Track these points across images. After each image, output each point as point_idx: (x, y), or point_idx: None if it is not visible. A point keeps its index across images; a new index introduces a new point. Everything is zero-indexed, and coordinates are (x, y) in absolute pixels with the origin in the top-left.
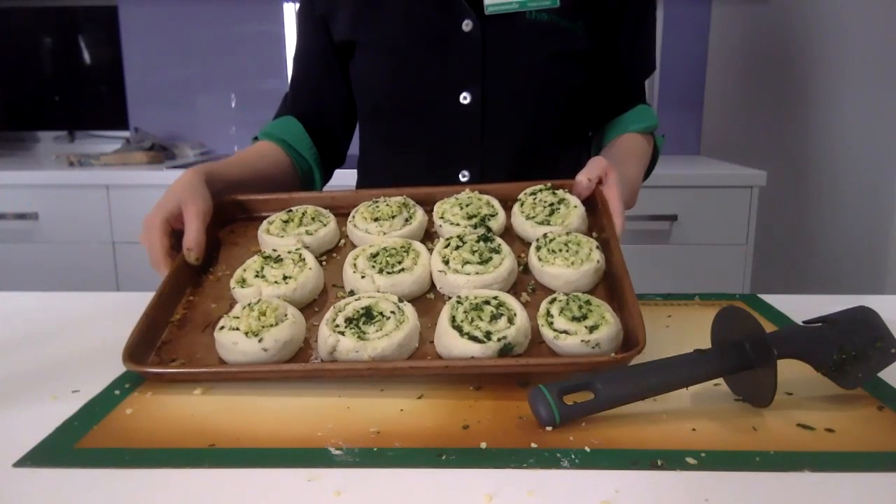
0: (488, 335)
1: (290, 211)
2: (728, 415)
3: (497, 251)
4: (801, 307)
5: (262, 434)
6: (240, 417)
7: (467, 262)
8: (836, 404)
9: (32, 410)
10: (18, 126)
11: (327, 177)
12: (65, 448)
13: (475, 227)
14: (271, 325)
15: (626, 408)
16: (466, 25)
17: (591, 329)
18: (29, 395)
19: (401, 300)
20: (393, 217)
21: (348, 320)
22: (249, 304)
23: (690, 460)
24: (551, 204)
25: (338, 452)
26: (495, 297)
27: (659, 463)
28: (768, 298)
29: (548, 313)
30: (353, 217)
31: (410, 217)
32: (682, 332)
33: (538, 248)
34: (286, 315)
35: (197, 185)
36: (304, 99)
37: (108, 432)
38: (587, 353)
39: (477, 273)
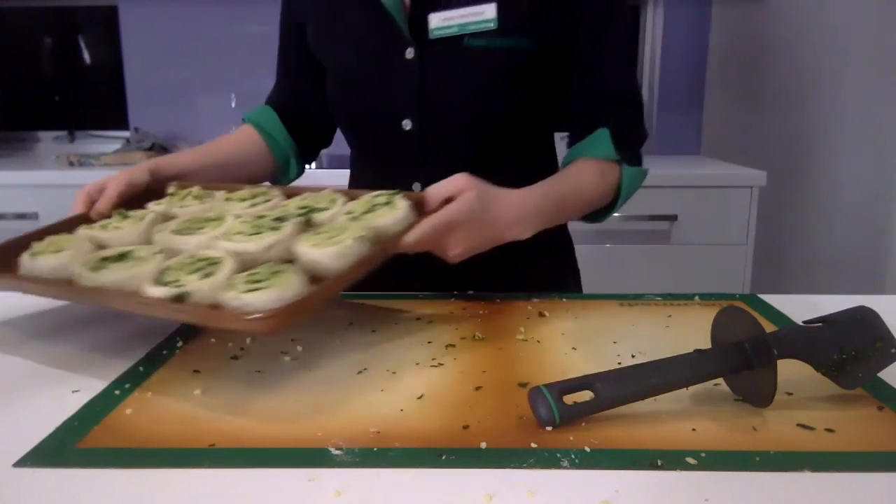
0: (176, 284)
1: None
2: (728, 415)
3: (276, 230)
4: (801, 307)
5: (262, 434)
6: (240, 417)
7: (240, 233)
8: (836, 404)
9: (32, 410)
10: (18, 126)
11: (304, 168)
12: (65, 448)
13: (303, 215)
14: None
15: (626, 408)
16: (409, 53)
17: (251, 291)
18: (29, 395)
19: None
20: (243, 200)
21: (105, 258)
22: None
23: (690, 460)
24: (376, 205)
25: (338, 452)
26: (218, 260)
27: (659, 463)
28: (768, 298)
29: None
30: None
31: (256, 205)
32: (682, 332)
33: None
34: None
35: (134, 169)
36: (284, 93)
37: (108, 432)
38: (232, 309)
39: (239, 242)
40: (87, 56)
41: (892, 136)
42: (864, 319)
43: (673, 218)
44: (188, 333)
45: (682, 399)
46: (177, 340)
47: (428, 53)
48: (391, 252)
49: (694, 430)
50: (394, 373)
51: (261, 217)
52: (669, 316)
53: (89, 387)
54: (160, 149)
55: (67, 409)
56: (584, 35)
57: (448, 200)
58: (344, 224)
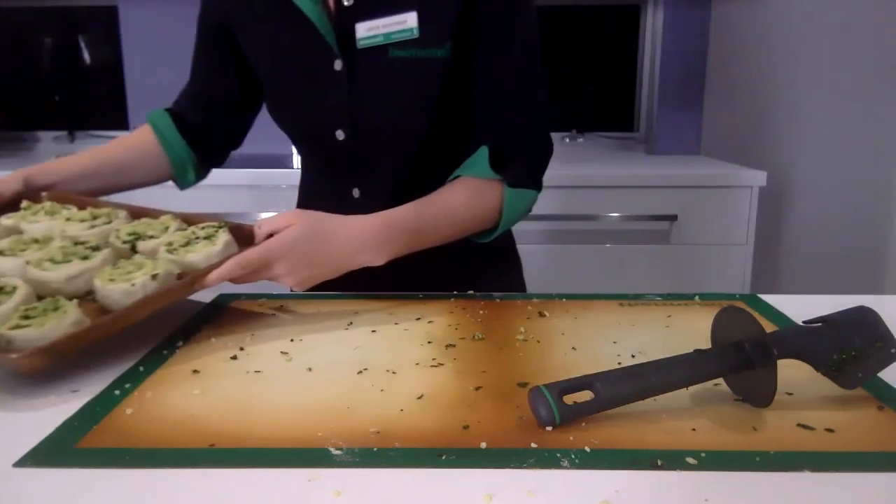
0: None
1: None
2: (728, 415)
3: (87, 258)
4: (801, 307)
5: (262, 434)
6: (240, 417)
7: (51, 259)
8: (836, 404)
9: (32, 410)
10: (18, 126)
11: (205, 173)
12: (65, 448)
13: (125, 242)
14: None
15: (626, 408)
16: (337, 65)
17: (16, 328)
18: (29, 395)
19: None
20: (83, 220)
21: None
22: None
23: (690, 460)
24: (198, 238)
25: (338, 452)
26: (11, 289)
27: (659, 463)
28: (768, 298)
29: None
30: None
31: (95, 226)
32: (682, 332)
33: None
34: None
35: (5, 178)
36: (192, 96)
37: (108, 432)
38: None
39: (41, 269)
40: (87, 56)
41: (891, 136)
42: (864, 319)
43: (673, 218)
44: (188, 333)
45: (682, 399)
46: (177, 340)
47: (356, 65)
48: (199, 288)
49: (694, 430)
50: (394, 373)
51: (79, 243)
52: (669, 316)
53: (89, 387)
54: None
55: (67, 409)
56: (482, 46)
57: (272, 235)
58: (144, 261)
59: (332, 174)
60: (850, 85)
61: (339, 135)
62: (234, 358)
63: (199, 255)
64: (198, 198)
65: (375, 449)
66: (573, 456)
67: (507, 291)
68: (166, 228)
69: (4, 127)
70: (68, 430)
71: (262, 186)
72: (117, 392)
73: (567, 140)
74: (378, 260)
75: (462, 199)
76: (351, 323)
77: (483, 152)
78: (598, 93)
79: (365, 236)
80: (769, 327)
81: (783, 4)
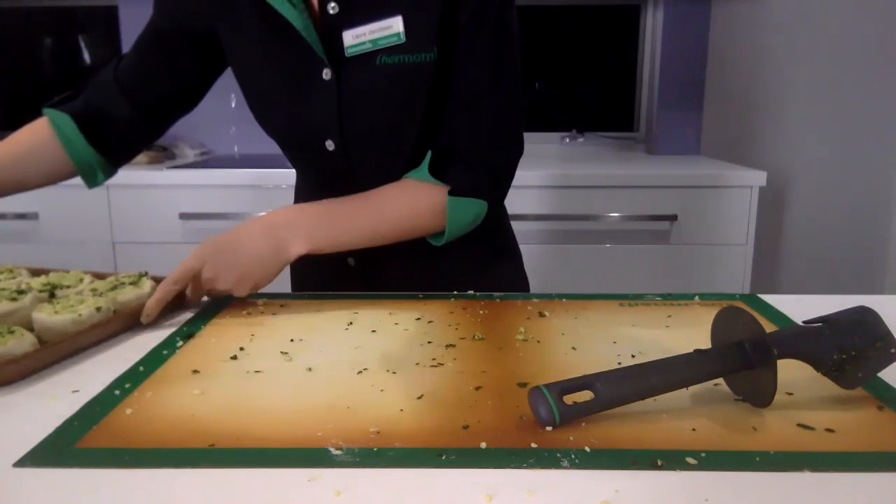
0: None
1: None
2: (728, 415)
3: (15, 300)
4: (801, 307)
5: (262, 434)
6: (240, 417)
7: None
8: (836, 404)
9: (32, 410)
10: (18, 126)
11: (113, 173)
12: (65, 448)
13: (41, 291)
14: None
15: (626, 408)
16: (326, 74)
17: None
18: (29, 395)
19: None
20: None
21: None
22: None
23: (690, 460)
24: (124, 283)
25: (338, 452)
26: None
27: (659, 463)
28: (768, 298)
29: None
30: None
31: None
32: (682, 332)
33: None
34: None
35: None
36: (131, 78)
37: (108, 432)
38: None
39: None
40: (87, 56)
41: (891, 136)
42: (864, 319)
43: (673, 218)
44: (188, 333)
45: (682, 399)
46: (177, 340)
47: (344, 73)
48: (131, 324)
49: (694, 430)
50: (394, 373)
51: (0, 290)
52: (669, 316)
53: (89, 387)
54: (159, 148)
55: (67, 409)
56: (458, 42)
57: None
58: (84, 297)
59: (323, 183)
60: (849, 85)
61: (329, 145)
62: (234, 358)
63: (129, 295)
64: (198, 198)
65: (375, 449)
66: (573, 456)
67: (508, 284)
68: (80, 280)
69: (4, 127)
70: (68, 430)
71: (262, 186)
72: (117, 392)
73: (567, 140)
74: (299, 245)
75: (397, 198)
76: (351, 323)
77: (427, 156)
78: (598, 93)
79: (275, 222)
80: (769, 327)
81: (783, 4)
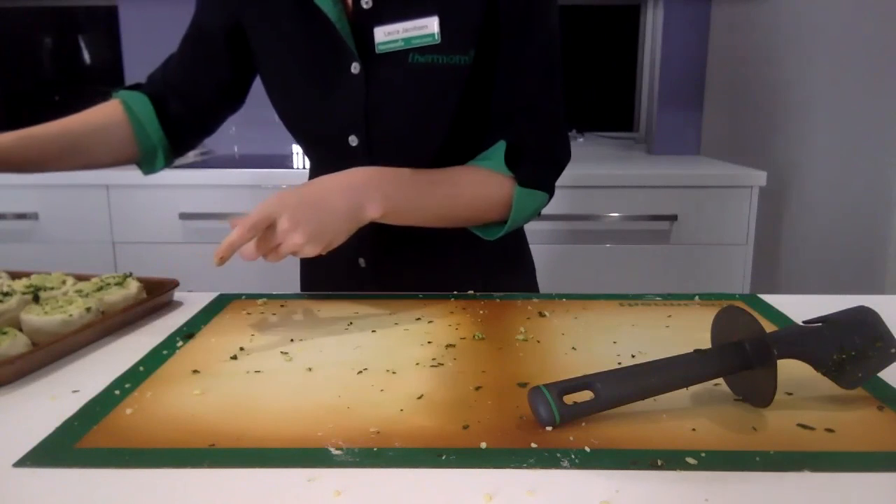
0: None
1: None
2: (728, 415)
3: (3, 302)
4: (801, 307)
5: (262, 434)
6: (240, 417)
7: None
8: (836, 404)
9: (32, 410)
10: (18, 126)
11: (171, 161)
12: (65, 448)
13: (24, 294)
14: None
15: (626, 408)
16: (354, 68)
17: None
18: (29, 395)
19: None
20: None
21: None
22: None
23: (690, 460)
24: (109, 284)
25: (338, 452)
26: None
27: (659, 463)
28: (768, 298)
29: None
30: None
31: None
32: (682, 332)
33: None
34: None
35: None
36: (175, 79)
37: (108, 432)
38: None
39: None
40: (87, 56)
41: (891, 136)
42: (864, 319)
43: (673, 218)
44: (188, 333)
45: (682, 399)
46: (177, 340)
47: (374, 69)
48: (125, 323)
49: (694, 430)
50: (394, 373)
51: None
52: (669, 316)
53: (89, 387)
54: None
55: (67, 409)
56: (504, 45)
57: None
58: (73, 297)
59: None
60: (850, 85)
61: (353, 140)
62: (234, 358)
63: (116, 296)
64: (198, 198)
65: (375, 449)
66: (573, 456)
67: (523, 289)
68: (63, 281)
69: (4, 127)
70: (68, 430)
71: (262, 186)
72: (117, 392)
73: None
74: (375, 206)
75: (471, 181)
76: (351, 323)
77: (500, 147)
78: (598, 93)
79: (355, 182)
80: (769, 327)
81: (783, 4)
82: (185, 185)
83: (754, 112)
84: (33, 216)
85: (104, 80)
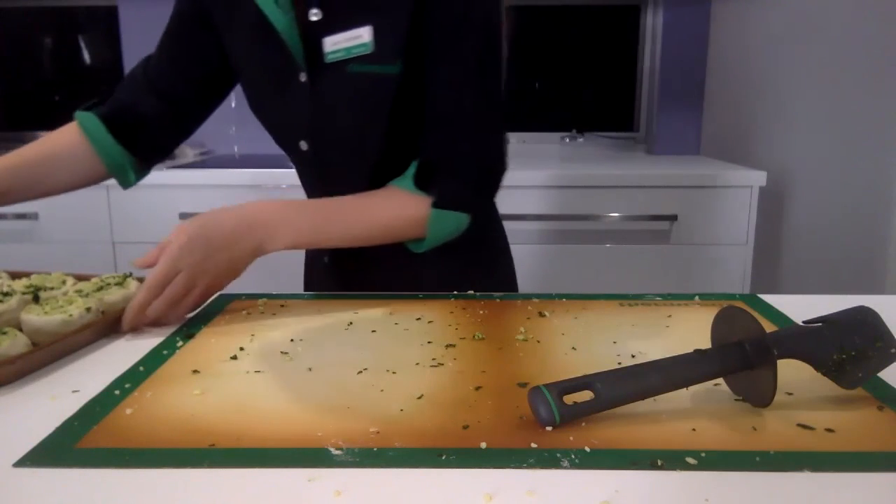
0: None
1: None
2: (728, 415)
3: (3, 302)
4: (801, 307)
5: (262, 434)
6: (240, 417)
7: None
8: (836, 404)
9: (32, 410)
10: (19, 126)
11: (146, 173)
12: (65, 448)
13: (24, 294)
14: None
15: (626, 408)
16: (302, 77)
17: None
18: (29, 395)
19: None
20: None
21: None
22: None
23: (690, 460)
24: (109, 284)
25: (338, 452)
26: None
27: (659, 463)
28: (768, 298)
29: None
30: None
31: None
32: (682, 332)
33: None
34: None
35: None
36: (157, 71)
37: (108, 432)
38: None
39: None
40: (87, 56)
41: (891, 136)
42: (864, 319)
43: (673, 218)
44: (188, 333)
45: (682, 399)
46: (177, 340)
47: (319, 78)
48: (126, 325)
49: (694, 430)
50: (394, 373)
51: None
52: (669, 316)
53: (89, 387)
54: None
55: (67, 409)
56: (429, 55)
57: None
58: (73, 297)
59: (303, 182)
60: (850, 85)
61: (303, 145)
62: (234, 358)
63: (116, 296)
64: (198, 198)
65: (375, 449)
66: (573, 456)
67: (496, 288)
68: (63, 282)
69: (5, 126)
70: (68, 430)
71: (262, 186)
72: (117, 392)
73: (567, 140)
74: (279, 241)
75: (385, 206)
76: (351, 323)
77: (412, 167)
78: (598, 93)
79: (258, 219)
80: (769, 327)
81: (783, 4)
82: (185, 185)
83: (754, 112)
84: (33, 216)
85: (104, 80)
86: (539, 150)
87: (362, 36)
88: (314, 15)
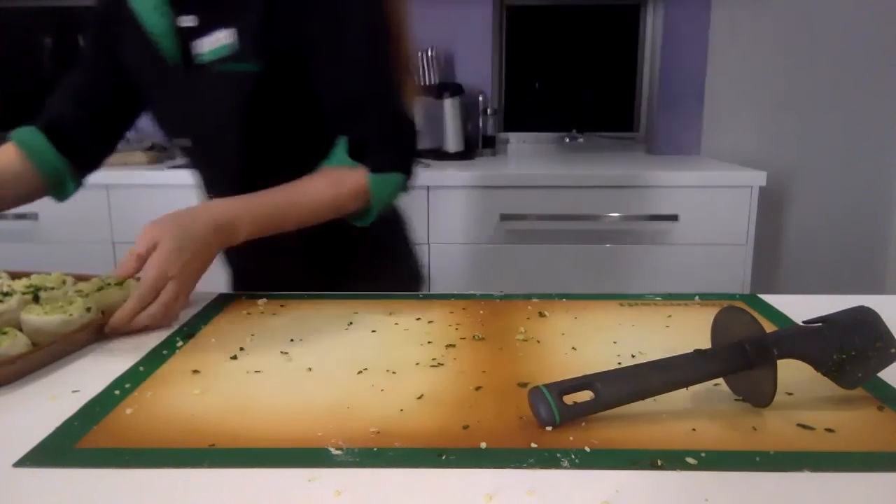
0: None
1: None
2: (728, 415)
3: (3, 302)
4: (801, 307)
5: (262, 434)
6: (240, 417)
7: None
8: (836, 404)
9: (32, 410)
10: (18, 126)
11: (81, 183)
12: (65, 448)
13: (24, 294)
14: None
15: (626, 408)
16: (178, 77)
17: None
18: (29, 395)
19: None
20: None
21: None
22: None
23: (690, 460)
24: (109, 285)
25: (338, 452)
26: None
27: (659, 463)
28: (768, 298)
29: None
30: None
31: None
32: (682, 332)
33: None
34: None
35: None
36: (79, 80)
37: (108, 432)
38: None
39: None
40: None
41: (891, 136)
42: (864, 319)
43: (673, 218)
44: (188, 333)
45: (682, 399)
46: (177, 340)
47: (192, 79)
48: (112, 328)
49: (694, 430)
50: (394, 373)
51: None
52: (669, 316)
53: (89, 387)
54: (160, 148)
55: (67, 409)
56: (314, 46)
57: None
58: (73, 297)
59: (196, 178)
60: (850, 85)
61: (184, 142)
62: (234, 358)
63: (116, 297)
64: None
65: (375, 449)
66: (573, 456)
67: (401, 283)
68: (63, 282)
69: (4, 127)
70: (68, 430)
71: None
72: (117, 392)
73: (567, 140)
74: (241, 235)
75: (326, 184)
76: (351, 323)
77: (342, 143)
78: (598, 93)
79: (226, 215)
80: (769, 327)
81: (783, 4)
82: (185, 185)
83: (754, 112)
84: (33, 216)
85: None
86: (539, 150)
87: (227, 37)
88: (187, 21)
